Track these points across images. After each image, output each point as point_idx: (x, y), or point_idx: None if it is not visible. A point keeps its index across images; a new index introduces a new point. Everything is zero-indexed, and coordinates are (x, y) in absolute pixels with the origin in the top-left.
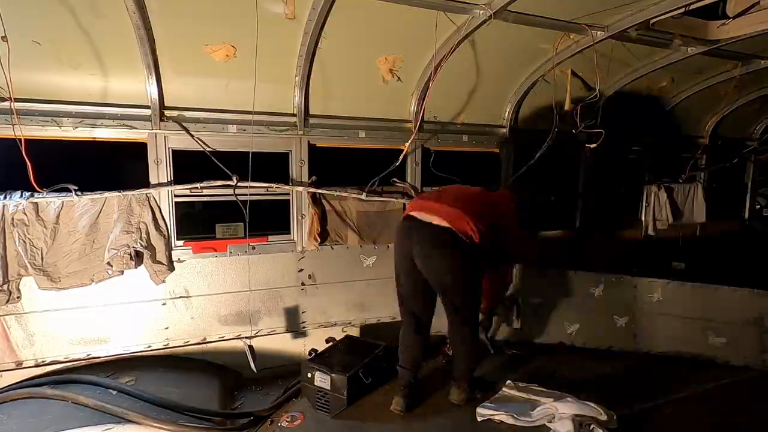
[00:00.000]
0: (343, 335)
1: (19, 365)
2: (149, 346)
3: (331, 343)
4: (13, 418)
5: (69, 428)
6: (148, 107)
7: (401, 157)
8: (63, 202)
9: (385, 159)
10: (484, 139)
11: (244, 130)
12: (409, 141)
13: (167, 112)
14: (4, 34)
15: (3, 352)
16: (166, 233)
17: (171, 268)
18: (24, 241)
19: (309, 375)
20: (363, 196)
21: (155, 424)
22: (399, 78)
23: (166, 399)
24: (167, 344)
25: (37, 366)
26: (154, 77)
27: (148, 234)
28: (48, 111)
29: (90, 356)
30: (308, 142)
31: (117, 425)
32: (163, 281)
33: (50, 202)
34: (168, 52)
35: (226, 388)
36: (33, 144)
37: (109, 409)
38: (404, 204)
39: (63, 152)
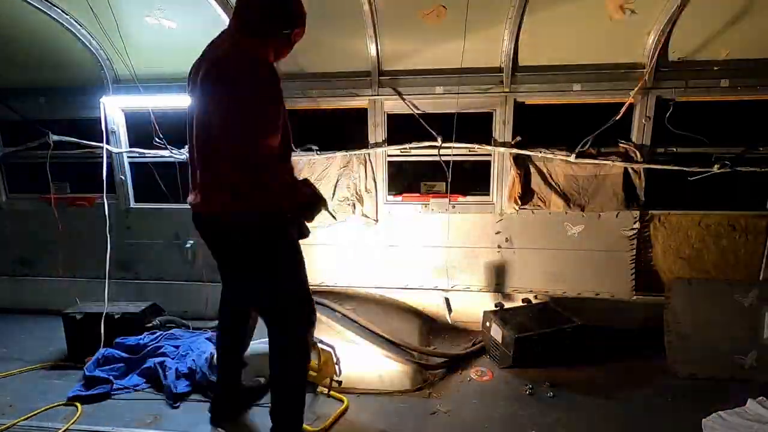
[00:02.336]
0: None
1: None
2: (363, 284)
3: (524, 304)
4: None
5: None
6: (368, 74)
7: (623, 110)
8: (309, 159)
9: (602, 114)
10: (755, 83)
11: (450, 91)
12: (635, 90)
13: (382, 79)
14: None
15: None
16: (375, 189)
17: (376, 220)
18: None
19: (487, 324)
20: (572, 158)
21: (367, 345)
22: (633, 11)
23: (376, 327)
24: (377, 285)
25: None
26: (374, 46)
27: (364, 188)
28: (299, 86)
29: (322, 284)
30: (514, 100)
31: (340, 341)
32: (369, 230)
33: (300, 158)
34: (387, 22)
35: (423, 331)
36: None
37: (334, 326)
38: (625, 168)
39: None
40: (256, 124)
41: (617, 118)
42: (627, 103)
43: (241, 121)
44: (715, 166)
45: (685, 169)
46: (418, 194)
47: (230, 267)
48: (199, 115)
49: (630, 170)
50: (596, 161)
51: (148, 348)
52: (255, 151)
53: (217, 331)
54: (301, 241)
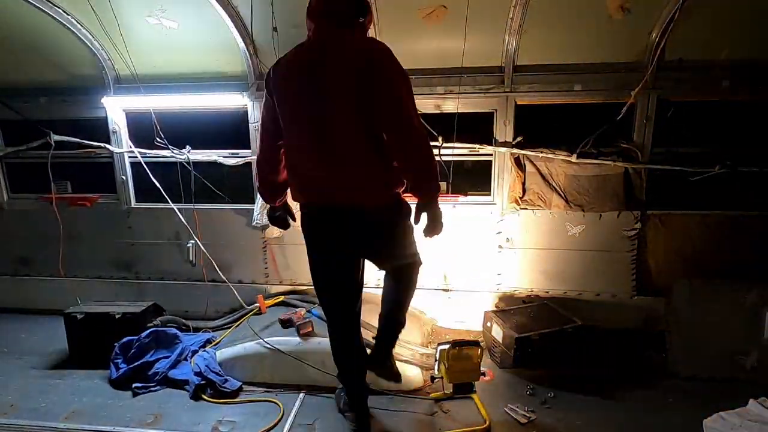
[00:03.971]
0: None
1: (280, 282)
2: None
3: (524, 304)
4: (273, 313)
5: None
6: None
7: (624, 109)
8: None
9: (602, 114)
10: (755, 83)
11: (451, 90)
12: (636, 90)
13: None
14: (274, 26)
15: (272, 272)
16: None
17: None
18: None
19: (488, 324)
20: (573, 158)
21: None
22: (629, 10)
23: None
24: (378, 285)
25: (292, 285)
26: None
27: None
28: None
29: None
30: (515, 101)
31: None
32: None
33: None
34: (386, 19)
35: (423, 331)
36: None
37: None
38: (626, 168)
39: None
40: (415, 107)
41: (619, 117)
42: (628, 104)
43: (411, 106)
44: (716, 166)
45: (686, 169)
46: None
47: (365, 250)
48: (336, 111)
49: (630, 170)
50: (597, 161)
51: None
52: (421, 134)
53: (339, 339)
54: (301, 242)
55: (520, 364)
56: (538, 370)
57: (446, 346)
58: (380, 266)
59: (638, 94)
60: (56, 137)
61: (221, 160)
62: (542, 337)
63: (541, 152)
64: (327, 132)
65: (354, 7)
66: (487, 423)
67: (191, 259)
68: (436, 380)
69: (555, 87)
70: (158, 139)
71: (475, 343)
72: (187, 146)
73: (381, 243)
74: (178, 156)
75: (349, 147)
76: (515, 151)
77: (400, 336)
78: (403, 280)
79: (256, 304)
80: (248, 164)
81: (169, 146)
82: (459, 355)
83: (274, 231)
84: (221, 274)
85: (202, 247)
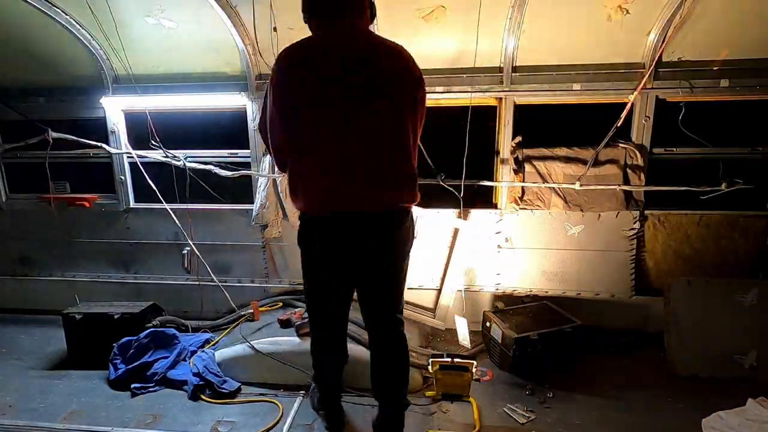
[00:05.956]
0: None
1: (280, 282)
2: None
3: (523, 304)
4: (272, 315)
5: None
6: None
7: (624, 113)
8: None
9: (602, 114)
10: (755, 83)
11: (450, 90)
12: (637, 90)
13: None
14: (274, 25)
15: (271, 272)
16: None
17: None
18: (283, 189)
19: (487, 324)
20: (577, 185)
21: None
22: (628, 11)
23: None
24: None
25: (291, 285)
26: None
27: None
28: None
29: None
30: (514, 101)
31: None
32: None
33: None
34: (387, 21)
35: (423, 332)
36: None
37: None
38: (625, 168)
39: None
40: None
41: (618, 124)
42: (628, 105)
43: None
44: (723, 184)
45: (692, 189)
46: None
47: (372, 269)
48: (373, 110)
49: (629, 170)
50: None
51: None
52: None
53: (324, 364)
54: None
55: (519, 364)
56: (537, 370)
57: (438, 360)
58: (368, 295)
59: (637, 94)
60: (54, 134)
61: (216, 170)
62: (541, 337)
63: (540, 152)
64: (367, 134)
65: (370, 2)
66: (477, 429)
67: (186, 265)
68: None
69: (554, 87)
70: (153, 143)
71: (465, 368)
72: (184, 153)
73: (387, 253)
74: (173, 162)
75: (388, 149)
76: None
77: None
78: (392, 343)
79: (249, 310)
80: (248, 162)
81: (165, 151)
82: (448, 374)
83: (273, 231)
84: (214, 277)
85: (197, 252)
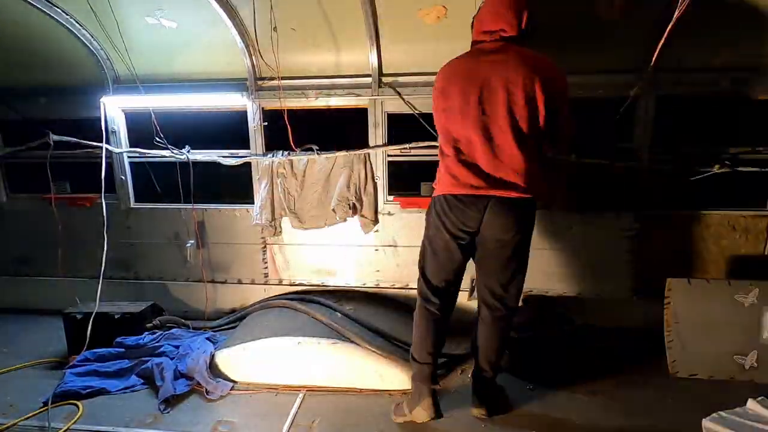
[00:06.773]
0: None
1: (279, 282)
2: (364, 284)
3: (523, 304)
4: (272, 320)
5: (309, 335)
6: (369, 76)
7: (622, 109)
8: (308, 159)
9: (601, 113)
10: (755, 83)
11: None
12: (636, 90)
13: (384, 79)
14: (274, 25)
15: (271, 272)
16: (374, 190)
17: (376, 221)
18: (283, 189)
19: None
20: (572, 158)
21: (368, 345)
22: (626, 11)
23: (377, 327)
24: (378, 284)
25: (290, 285)
26: (375, 48)
27: (363, 189)
28: (299, 86)
29: (323, 284)
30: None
31: (341, 341)
32: (369, 232)
33: (300, 159)
34: (388, 22)
35: None
36: (290, 113)
37: (336, 328)
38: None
39: (308, 119)
40: None
41: (617, 118)
42: (624, 104)
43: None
44: (716, 166)
45: (685, 172)
46: (418, 198)
47: (497, 254)
48: (518, 107)
49: (629, 170)
50: (596, 161)
51: (147, 347)
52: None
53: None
54: (299, 242)
55: (519, 364)
56: (537, 370)
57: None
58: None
59: (637, 94)
60: (55, 137)
61: (220, 160)
62: (541, 337)
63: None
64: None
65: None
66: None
67: (188, 259)
68: None
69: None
70: (157, 139)
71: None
72: (187, 146)
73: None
74: (177, 156)
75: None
76: None
77: (407, 338)
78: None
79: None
80: (247, 164)
81: (169, 146)
82: None
83: (273, 231)
84: (214, 275)
85: (200, 248)
